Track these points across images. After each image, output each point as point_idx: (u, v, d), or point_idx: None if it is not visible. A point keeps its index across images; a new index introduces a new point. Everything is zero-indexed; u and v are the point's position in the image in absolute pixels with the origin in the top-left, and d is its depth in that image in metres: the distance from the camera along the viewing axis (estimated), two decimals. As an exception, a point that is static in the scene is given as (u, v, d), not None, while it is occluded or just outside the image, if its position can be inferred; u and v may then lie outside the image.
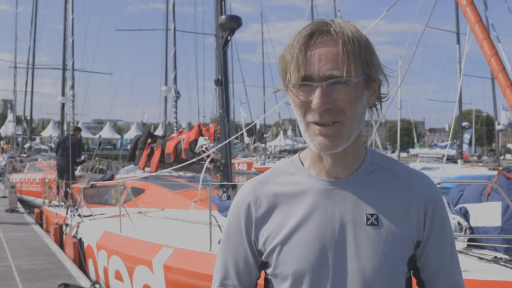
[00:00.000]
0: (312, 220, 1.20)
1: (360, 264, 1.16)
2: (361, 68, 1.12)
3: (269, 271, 1.25)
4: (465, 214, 4.00)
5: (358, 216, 1.19)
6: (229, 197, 6.72)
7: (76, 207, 9.16)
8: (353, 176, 1.22)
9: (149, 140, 10.65)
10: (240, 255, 1.29)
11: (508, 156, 40.17)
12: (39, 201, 15.47)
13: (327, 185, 1.21)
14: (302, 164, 1.27)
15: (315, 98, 1.09)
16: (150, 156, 10.26)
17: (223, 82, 7.10)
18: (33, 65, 33.10)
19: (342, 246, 1.18)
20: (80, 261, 7.76)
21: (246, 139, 52.89)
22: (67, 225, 9.25)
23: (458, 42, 27.63)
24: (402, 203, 1.21)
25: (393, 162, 1.29)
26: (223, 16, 6.90)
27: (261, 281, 1.34)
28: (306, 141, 1.18)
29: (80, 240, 7.86)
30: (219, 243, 4.78)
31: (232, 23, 6.78)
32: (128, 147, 12.32)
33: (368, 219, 1.18)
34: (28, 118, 35.77)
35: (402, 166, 1.28)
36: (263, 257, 1.25)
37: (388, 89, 1.22)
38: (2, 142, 47.13)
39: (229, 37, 6.89)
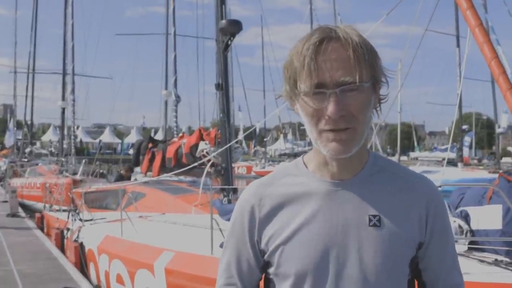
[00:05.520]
0: (315, 220, 1.21)
1: (363, 265, 1.18)
2: (370, 72, 1.14)
3: (271, 270, 1.26)
4: (466, 217, 4.01)
5: (361, 217, 1.20)
6: (229, 201, 6.72)
7: (77, 211, 9.17)
8: (356, 178, 1.23)
9: (150, 145, 10.66)
10: (242, 255, 1.30)
11: (505, 159, 39.96)
12: (40, 205, 15.48)
13: (331, 186, 1.22)
14: (306, 167, 1.28)
15: (330, 106, 1.10)
16: (151, 161, 10.27)
17: (223, 87, 7.12)
18: (33, 70, 33.13)
19: (345, 247, 1.19)
20: (82, 265, 7.77)
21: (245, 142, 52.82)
22: (68, 229, 9.26)
23: (458, 45, 27.57)
24: (404, 204, 1.22)
25: (395, 164, 1.31)
26: (224, 21, 6.91)
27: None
28: (319, 148, 1.18)
29: (81, 244, 7.87)
30: (220, 246, 4.78)
31: (233, 28, 6.79)
32: (130, 151, 12.34)
33: (370, 220, 1.19)
34: (29, 122, 35.79)
35: (404, 169, 1.30)
36: (265, 257, 1.26)
37: (388, 91, 1.24)
38: None
39: (229, 42, 6.91)
